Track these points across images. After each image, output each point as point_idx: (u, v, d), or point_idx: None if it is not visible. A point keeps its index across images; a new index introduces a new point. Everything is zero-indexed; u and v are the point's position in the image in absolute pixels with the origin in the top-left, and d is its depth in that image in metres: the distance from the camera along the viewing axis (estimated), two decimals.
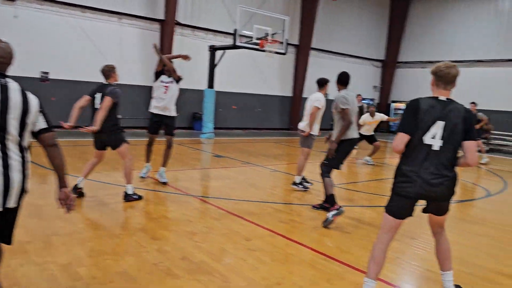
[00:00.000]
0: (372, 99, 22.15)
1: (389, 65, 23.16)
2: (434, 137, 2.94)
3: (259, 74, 17.86)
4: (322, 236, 4.72)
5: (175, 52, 15.26)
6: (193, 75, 16.07)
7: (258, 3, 17.24)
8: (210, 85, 14.26)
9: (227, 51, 14.24)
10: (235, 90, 17.68)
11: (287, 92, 19.43)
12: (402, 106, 21.46)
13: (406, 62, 22.94)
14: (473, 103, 12.39)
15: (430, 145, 2.95)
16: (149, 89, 15.37)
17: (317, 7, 18.56)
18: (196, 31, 16.38)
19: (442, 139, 2.94)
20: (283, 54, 14.01)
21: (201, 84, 15.42)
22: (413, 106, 3.01)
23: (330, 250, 4.31)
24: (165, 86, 6.54)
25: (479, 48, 19.93)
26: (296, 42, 19.04)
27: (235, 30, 12.78)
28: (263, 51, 13.20)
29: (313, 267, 3.83)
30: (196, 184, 7.32)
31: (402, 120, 3.06)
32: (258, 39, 13.36)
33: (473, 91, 19.84)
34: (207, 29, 16.56)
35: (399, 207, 3.12)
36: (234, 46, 13.00)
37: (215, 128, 14.96)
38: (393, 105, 22.62)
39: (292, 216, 5.51)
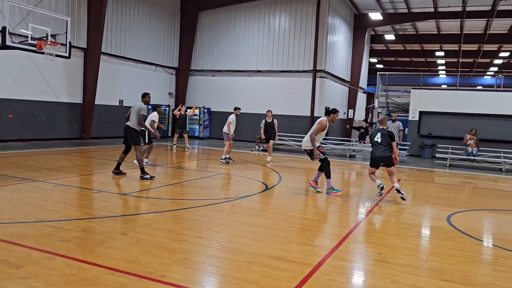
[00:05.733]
0: (167, 105, 22.56)
1: (183, 73, 24.00)
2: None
3: (41, 79, 15.92)
4: (108, 249, 4.50)
5: None
6: None
7: (35, 0, 15.39)
8: None
9: None
10: (11, 97, 15.36)
11: (77, 98, 17.96)
12: (197, 111, 22.50)
13: (198, 70, 24.19)
14: (269, 110, 14.17)
15: None
16: None
17: (104, 10, 17.74)
18: None
19: None
20: (67, 57, 12.87)
21: None
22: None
23: (116, 262, 4.14)
24: None
25: (258, 60, 22.62)
26: (84, 45, 17.79)
27: (4, 28, 11.05)
28: (42, 53, 11.83)
29: (96, 285, 3.61)
30: None
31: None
32: (35, 39, 11.91)
33: (254, 97, 22.42)
34: None
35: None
36: (2, 46, 11.21)
37: None
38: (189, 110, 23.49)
39: (76, 232, 5.08)
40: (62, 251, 4.38)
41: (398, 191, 7.83)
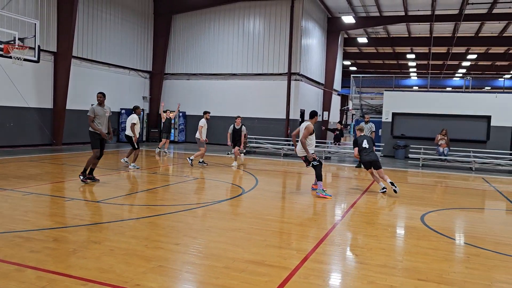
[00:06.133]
0: (142, 109, 22.21)
1: (157, 76, 23.71)
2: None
3: (9, 83, 15.43)
4: (81, 259, 4.37)
5: None
6: None
7: (2, 3, 14.91)
8: None
9: None
10: None
11: (47, 103, 17.48)
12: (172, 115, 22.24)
13: (172, 74, 23.95)
14: (238, 117, 13.67)
15: None
16: None
17: (75, 13, 17.34)
18: None
19: None
20: (36, 62, 12.52)
21: None
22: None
23: (89, 273, 4.02)
24: None
25: (233, 63, 22.58)
26: (54, 49, 17.35)
27: None
28: (9, 57, 11.47)
29: None
30: None
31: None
32: (2, 43, 11.54)
33: (230, 100, 22.37)
34: None
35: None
36: None
37: None
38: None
39: (47, 242, 4.91)
40: (32, 263, 4.22)
41: (392, 184, 8.81)
